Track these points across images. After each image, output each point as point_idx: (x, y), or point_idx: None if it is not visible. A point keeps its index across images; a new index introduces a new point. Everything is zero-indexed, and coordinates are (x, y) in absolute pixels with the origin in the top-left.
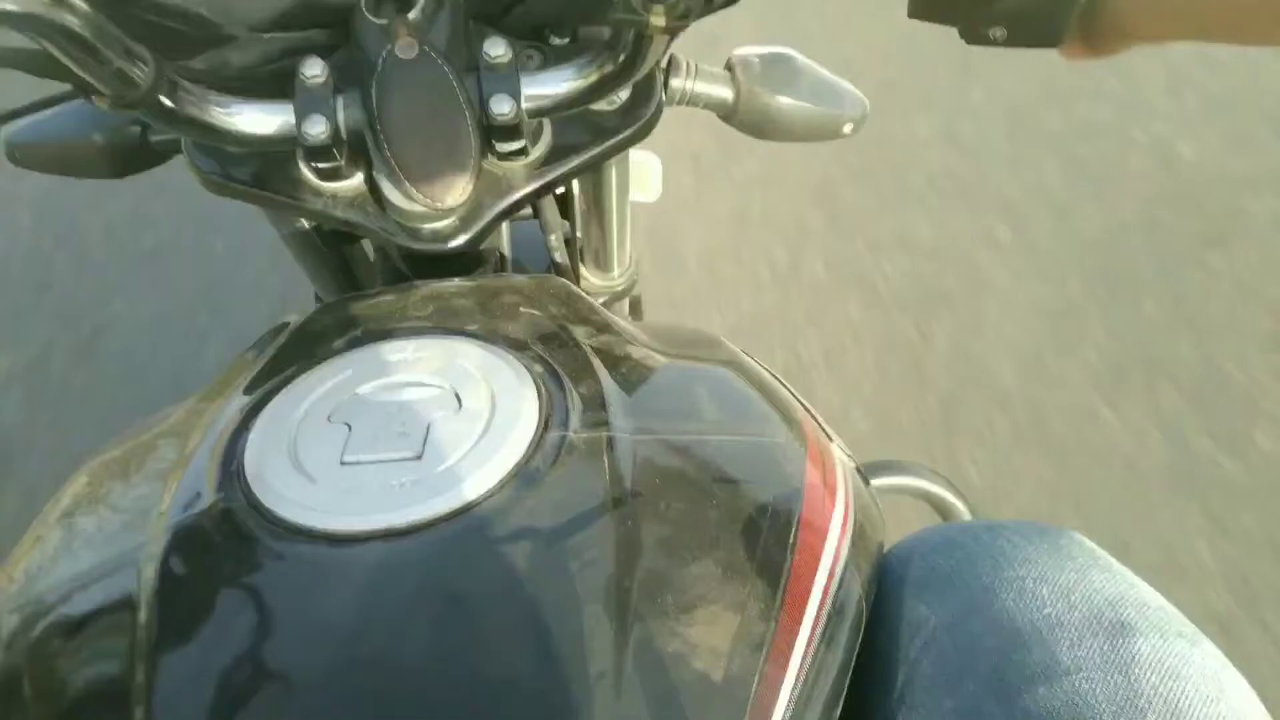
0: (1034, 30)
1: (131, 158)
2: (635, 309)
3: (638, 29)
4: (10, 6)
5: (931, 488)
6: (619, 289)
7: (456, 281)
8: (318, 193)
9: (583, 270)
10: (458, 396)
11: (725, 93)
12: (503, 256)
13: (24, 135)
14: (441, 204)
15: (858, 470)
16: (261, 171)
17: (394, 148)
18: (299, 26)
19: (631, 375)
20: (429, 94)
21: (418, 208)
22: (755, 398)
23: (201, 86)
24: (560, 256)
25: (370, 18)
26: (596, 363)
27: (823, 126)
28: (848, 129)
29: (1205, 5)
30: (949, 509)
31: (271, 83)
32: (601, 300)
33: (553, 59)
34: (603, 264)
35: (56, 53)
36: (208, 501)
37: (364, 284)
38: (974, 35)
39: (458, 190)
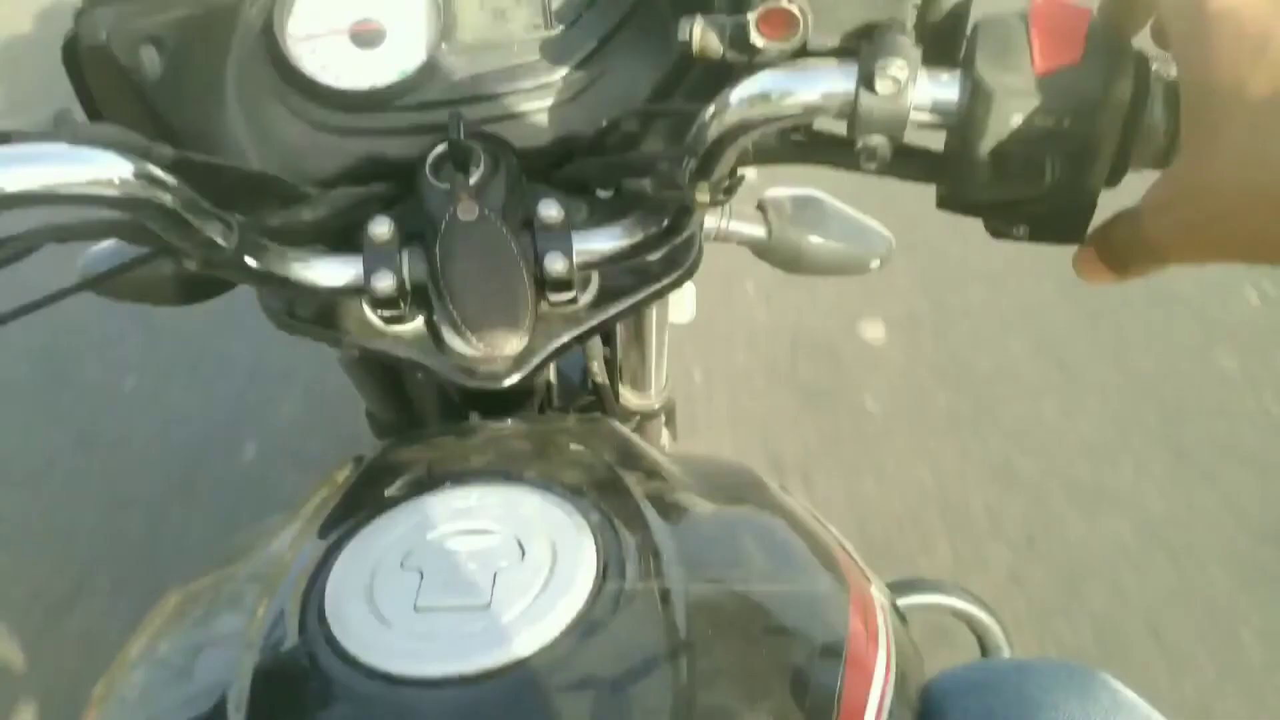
0: (1055, 228)
1: (200, 286)
2: (670, 422)
3: (682, 203)
4: (109, 191)
5: (965, 607)
6: (655, 408)
7: (512, 423)
8: (381, 333)
9: (621, 389)
10: (520, 545)
11: (759, 231)
12: (549, 384)
13: (97, 263)
14: (499, 354)
15: (895, 608)
16: (328, 311)
17: (455, 302)
18: (366, 180)
19: (681, 524)
20: (488, 253)
21: (475, 353)
22: (798, 546)
23: (277, 243)
24: (601, 378)
25: (434, 182)
26: (649, 512)
27: (851, 263)
28: (874, 265)
29: (1251, 225)
30: (981, 628)
31: (341, 234)
32: (638, 419)
33: (599, 210)
34: (640, 385)
35: (149, 224)
36: (292, 643)
37: (416, 406)
38: (998, 230)
39: (514, 342)
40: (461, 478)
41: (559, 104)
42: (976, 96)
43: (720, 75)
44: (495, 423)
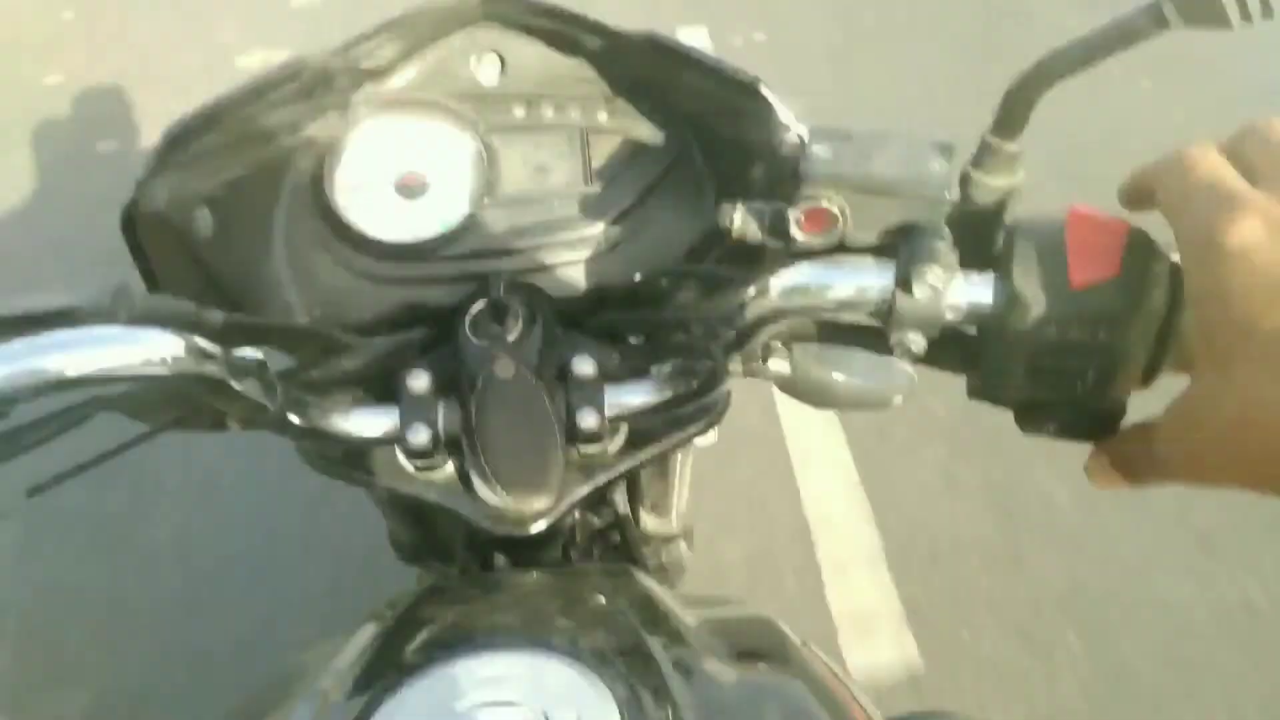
0: (1085, 428)
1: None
2: (688, 538)
3: (716, 371)
4: (160, 370)
5: None
6: (674, 532)
7: (538, 575)
8: (412, 478)
9: (642, 515)
10: (548, 719)
11: (784, 369)
12: (574, 525)
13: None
14: (528, 510)
15: None
16: (360, 454)
17: (488, 458)
18: (404, 326)
19: (705, 693)
20: (522, 412)
21: (504, 505)
22: (817, 711)
23: (316, 396)
24: (623, 508)
25: (473, 339)
26: (673, 682)
27: (874, 400)
28: (897, 400)
29: (1260, 455)
30: None
31: (379, 380)
32: (656, 542)
33: (631, 357)
34: (662, 511)
35: (197, 393)
36: None
37: (441, 535)
38: (1027, 425)
39: (543, 499)
40: (490, 641)
41: (596, 256)
42: (1013, 306)
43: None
44: (522, 574)
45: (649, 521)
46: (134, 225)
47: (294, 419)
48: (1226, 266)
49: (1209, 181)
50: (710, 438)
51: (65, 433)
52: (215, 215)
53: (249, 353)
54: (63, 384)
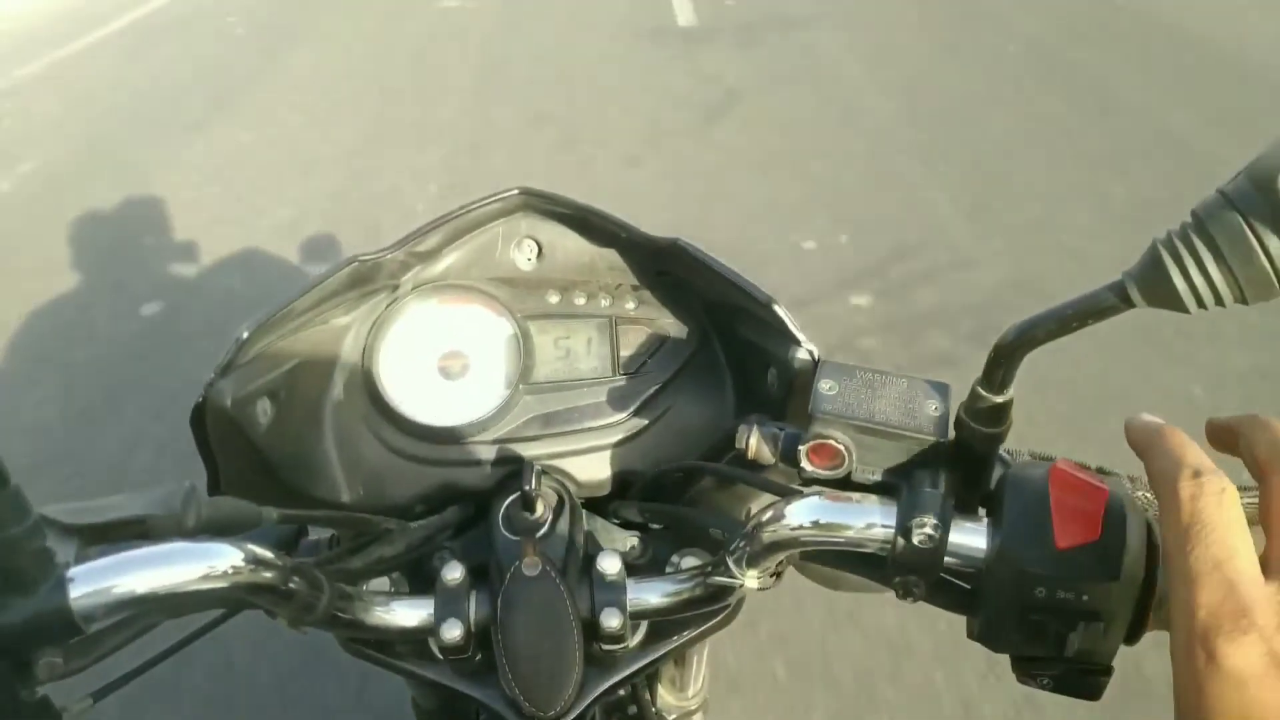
0: (1076, 685)
1: None
2: (705, 712)
3: (732, 588)
4: (221, 583)
5: None
6: (692, 708)
7: None
8: (442, 666)
9: (660, 690)
10: None
11: (819, 565)
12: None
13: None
14: (544, 714)
15: None
16: (393, 643)
17: (510, 657)
18: (440, 506)
19: None
20: (546, 614)
21: (522, 704)
22: None
23: (356, 583)
24: (641, 685)
25: (505, 533)
26: None
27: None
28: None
29: None
30: None
31: (415, 563)
32: (674, 717)
33: (651, 546)
34: (680, 686)
35: (253, 598)
36: None
37: (461, 706)
38: (1023, 674)
39: (559, 703)
40: None
41: (621, 444)
42: (1003, 562)
43: None
44: None
45: (667, 697)
46: (202, 422)
47: (340, 615)
48: (1215, 682)
49: (1223, 556)
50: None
51: (134, 640)
52: (274, 405)
53: (302, 559)
54: (138, 602)
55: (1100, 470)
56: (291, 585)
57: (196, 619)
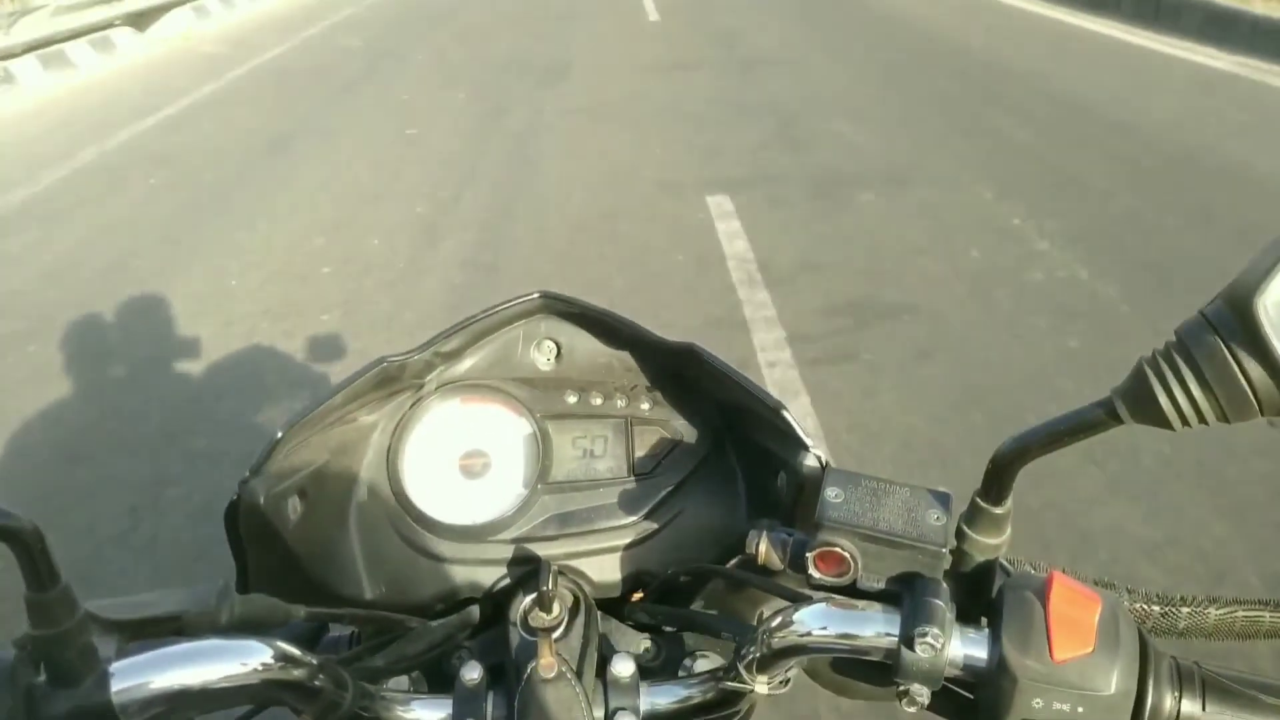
0: None
1: None
2: None
3: (743, 693)
4: (252, 680)
5: None
6: None
7: None
8: None
9: None
10: None
11: (828, 673)
12: None
13: None
14: None
15: None
16: None
17: None
18: (460, 606)
19: None
20: (562, 715)
21: None
22: None
23: (377, 680)
24: None
25: (522, 634)
26: None
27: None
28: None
29: None
30: None
31: (434, 667)
32: None
33: (664, 647)
34: None
35: (280, 694)
36: None
37: None
38: None
39: None
40: None
41: (635, 544)
42: (1003, 673)
43: None
44: None
45: None
46: (235, 520)
47: (363, 715)
48: None
49: None
50: None
51: None
52: (304, 503)
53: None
54: (174, 698)
55: (1098, 582)
56: (318, 683)
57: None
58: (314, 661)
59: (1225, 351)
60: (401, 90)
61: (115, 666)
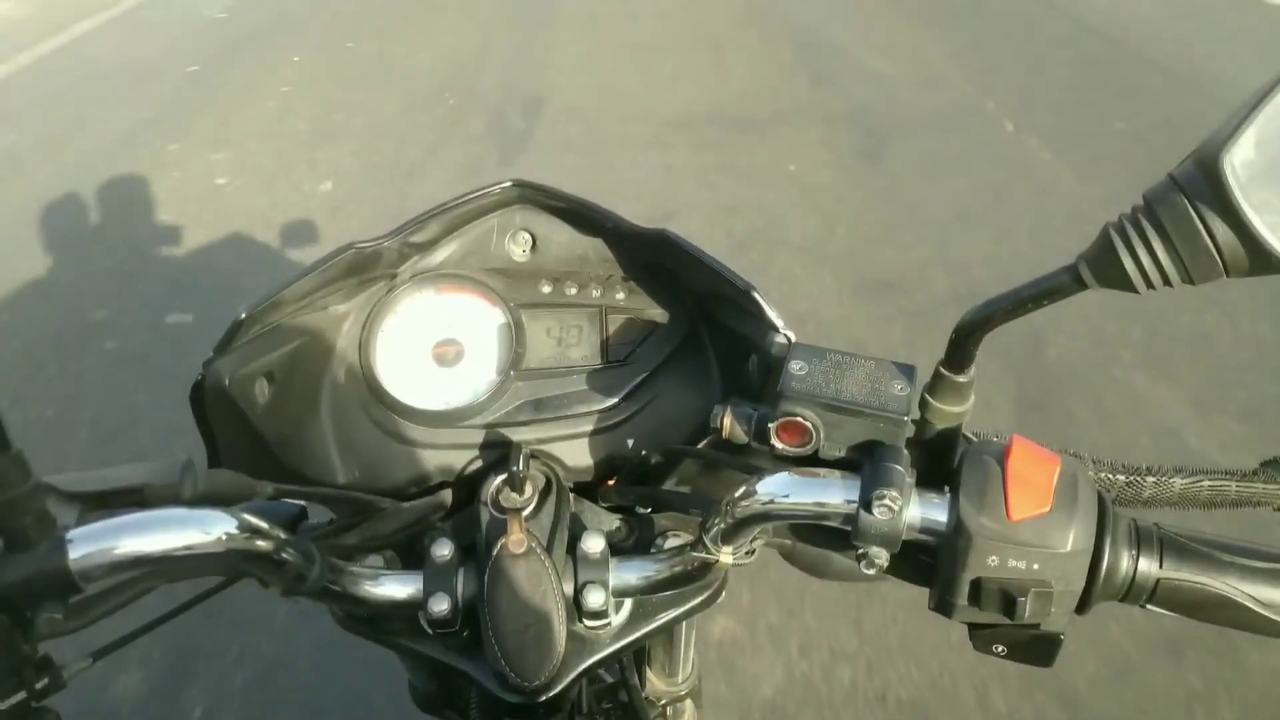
0: (1029, 652)
1: None
2: (696, 699)
3: (710, 563)
4: (216, 549)
5: None
6: (682, 693)
7: None
8: (433, 641)
9: (649, 674)
10: None
11: (785, 540)
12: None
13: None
14: (529, 684)
15: None
16: (388, 617)
17: (496, 631)
18: (433, 489)
19: None
20: (531, 589)
21: (510, 676)
22: None
23: (350, 559)
24: (629, 672)
25: (492, 512)
26: None
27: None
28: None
29: None
30: None
31: (407, 541)
32: (664, 703)
33: (637, 529)
34: (669, 671)
35: (247, 565)
36: None
37: (459, 695)
38: (979, 642)
39: (542, 673)
40: None
41: (609, 429)
42: (959, 533)
43: None
44: None
45: (656, 683)
46: (201, 399)
47: (331, 587)
48: None
49: None
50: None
51: (132, 603)
52: (271, 386)
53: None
54: (135, 564)
55: (1066, 452)
56: (285, 555)
57: (195, 586)
58: (280, 535)
59: (1191, 211)
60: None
61: (73, 533)
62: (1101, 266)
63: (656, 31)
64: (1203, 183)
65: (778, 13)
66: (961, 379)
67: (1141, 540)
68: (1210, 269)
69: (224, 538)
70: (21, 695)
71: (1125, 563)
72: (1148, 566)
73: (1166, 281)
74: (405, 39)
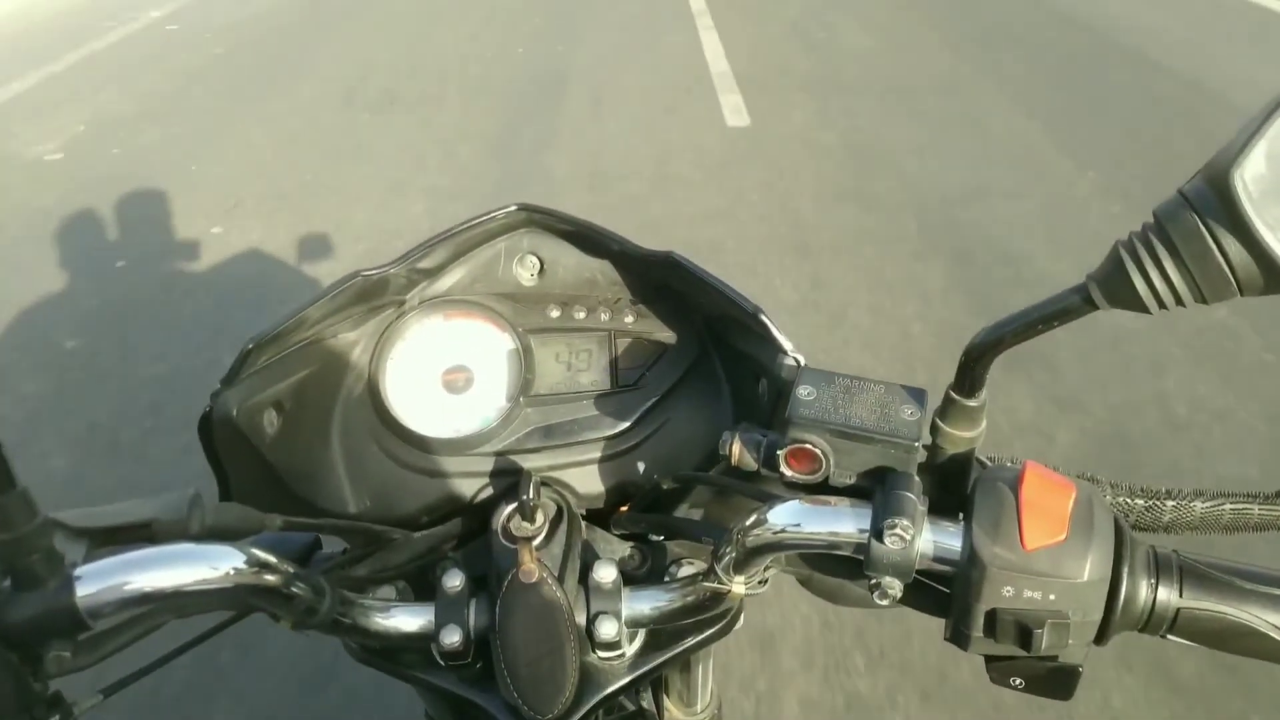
0: (1047, 685)
1: None
2: None
3: (725, 595)
4: (225, 584)
5: None
6: None
7: None
8: (446, 673)
9: (667, 703)
10: None
11: (801, 569)
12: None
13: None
14: (542, 716)
15: None
16: (401, 649)
17: (508, 662)
18: (443, 518)
19: None
20: (543, 620)
21: (522, 709)
22: None
23: (361, 591)
24: (647, 702)
25: (503, 541)
26: None
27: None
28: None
29: None
30: None
31: (418, 571)
32: None
33: (649, 557)
34: (687, 701)
35: (255, 600)
36: None
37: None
38: (997, 675)
39: (555, 706)
40: None
41: (620, 455)
42: (973, 563)
43: None
44: None
45: (675, 712)
46: (209, 431)
47: (342, 620)
48: None
49: None
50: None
51: (141, 639)
52: (280, 416)
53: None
54: (143, 600)
55: (1080, 476)
56: (294, 589)
57: (206, 621)
58: (289, 569)
59: (1203, 229)
60: None
61: (81, 570)
62: (1112, 287)
63: None
64: (1213, 199)
65: None
66: (972, 403)
67: (1161, 568)
68: (1223, 288)
69: (232, 572)
70: None
71: (1144, 592)
72: (1167, 595)
73: (1179, 301)
74: None
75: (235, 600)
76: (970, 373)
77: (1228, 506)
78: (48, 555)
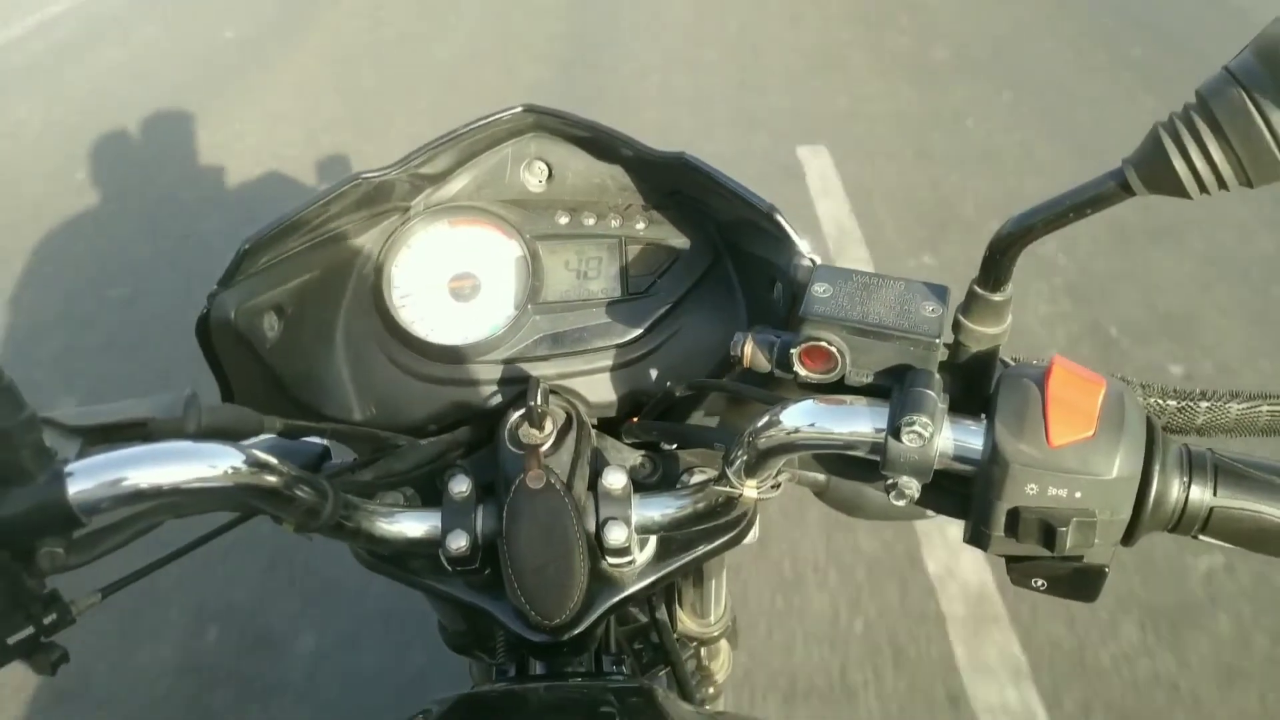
0: (1071, 586)
1: None
2: (731, 639)
3: (735, 497)
4: (223, 483)
5: None
6: (715, 634)
7: (555, 694)
8: (454, 579)
9: (680, 615)
10: None
11: (819, 476)
12: (608, 629)
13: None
14: (550, 622)
15: None
16: (408, 555)
17: (515, 569)
18: (451, 426)
19: None
20: (550, 524)
21: (529, 615)
22: None
23: (367, 496)
24: (660, 613)
25: (510, 447)
26: None
27: (908, 511)
28: (930, 513)
29: None
30: None
31: (426, 478)
32: (697, 643)
33: (661, 466)
34: (700, 612)
35: (256, 501)
36: None
37: (484, 627)
38: (1018, 576)
39: (564, 611)
40: None
41: (631, 362)
42: (995, 460)
43: None
44: (541, 692)
45: (688, 623)
46: (208, 335)
47: (345, 523)
48: None
49: None
50: (752, 535)
51: (139, 538)
52: (281, 320)
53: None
54: (137, 497)
55: (1112, 375)
56: (295, 491)
57: (206, 523)
58: (290, 470)
59: (1250, 104)
60: None
61: (72, 465)
62: (1150, 170)
63: None
64: (1263, 74)
65: None
66: (998, 298)
67: (1194, 466)
68: (1271, 168)
69: (231, 471)
70: (29, 630)
71: (1176, 490)
72: (1200, 494)
73: (1222, 184)
74: None
75: (234, 500)
76: (996, 265)
77: (1265, 408)
78: (36, 450)
